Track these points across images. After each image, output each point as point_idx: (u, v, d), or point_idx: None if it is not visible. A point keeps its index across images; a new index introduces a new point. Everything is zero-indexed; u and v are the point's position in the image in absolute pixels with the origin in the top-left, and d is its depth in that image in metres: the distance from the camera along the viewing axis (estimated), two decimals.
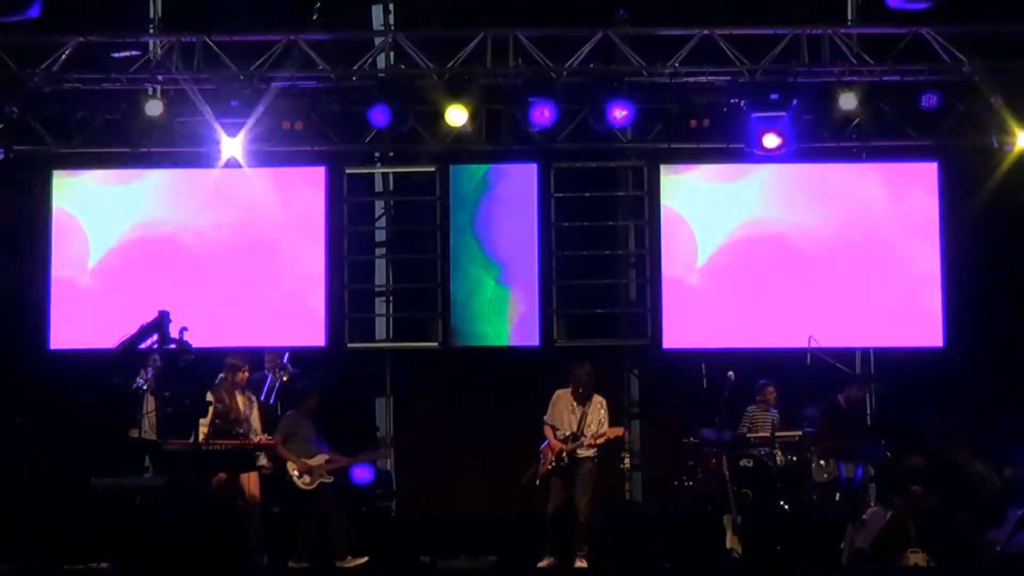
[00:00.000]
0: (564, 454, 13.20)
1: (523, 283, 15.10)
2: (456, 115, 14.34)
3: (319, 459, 13.38)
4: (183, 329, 12.05)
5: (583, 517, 13.09)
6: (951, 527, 12.08)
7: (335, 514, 13.28)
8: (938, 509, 12.43)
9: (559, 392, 13.57)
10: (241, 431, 12.99)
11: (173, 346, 12.01)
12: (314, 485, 13.32)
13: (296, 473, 13.30)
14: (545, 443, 13.43)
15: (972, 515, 12.39)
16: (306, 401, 13.70)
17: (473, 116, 14.45)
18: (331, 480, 13.40)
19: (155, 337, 12.05)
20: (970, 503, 12.29)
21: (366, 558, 13.16)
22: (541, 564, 13.06)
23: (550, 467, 13.27)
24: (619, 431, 13.65)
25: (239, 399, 13.18)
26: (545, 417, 13.51)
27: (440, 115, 14.38)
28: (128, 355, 12.47)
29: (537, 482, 13.38)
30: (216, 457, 12.47)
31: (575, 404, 13.41)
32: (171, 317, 12.09)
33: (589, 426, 13.29)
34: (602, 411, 13.40)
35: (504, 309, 15.07)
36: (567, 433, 13.31)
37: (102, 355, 14.17)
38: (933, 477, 12.90)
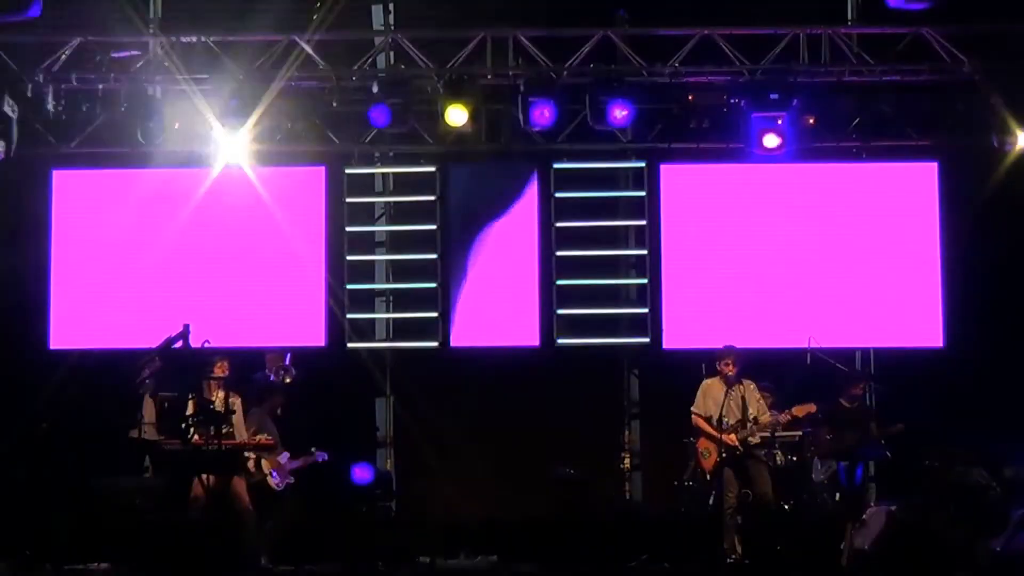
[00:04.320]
0: (739, 444, 13.00)
1: (523, 283, 15.12)
2: (456, 115, 14.32)
3: (285, 459, 13.32)
4: (205, 341, 12.13)
5: (772, 505, 12.93)
6: (953, 540, 12.03)
7: (294, 515, 13.23)
8: (941, 524, 12.38)
9: (708, 382, 13.31)
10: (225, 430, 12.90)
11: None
12: (282, 486, 13.26)
13: (270, 473, 13.22)
14: (700, 436, 13.22)
15: (975, 526, 12.34)
16: (271, 399, 13.63)
17: (473, 116, 14.43)
18: (292, 481, 13.36)
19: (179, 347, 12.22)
20: (972, 514, 12.25)
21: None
22: (731, 559, 12.85)
23: (719, 459, 13.05)
24: (810, 408, 13.43)
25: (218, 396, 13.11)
26: (694, 408, 13.26)
27: (440, 115, 14.37)
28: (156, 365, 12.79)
29: (708, 477, 13.19)
30: (216, 457, 12.43)
31: (729, 390, 13.15)
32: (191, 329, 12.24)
33: (749, 410, 13.10)
34: (757, 393, 13.25)
35: None
36: (732, 421, 13.04)
37: (105, 356, 14.26)
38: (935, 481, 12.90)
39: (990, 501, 12.33)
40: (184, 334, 12.15)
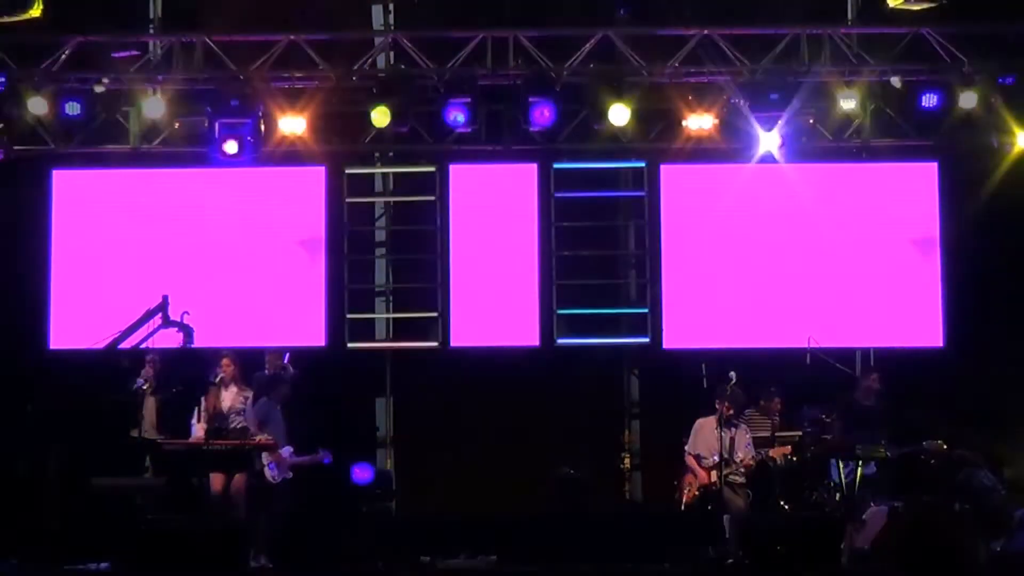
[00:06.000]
0: (713, 484, 13.25)
1: (523, 283, 15.11)
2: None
3: (288, 453, 13.31)
4: (184, 313, 12.17)
5: None
6: (957, 541, 11.98)
7: (286, 512, 13.24)
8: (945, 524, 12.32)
9: (701, 421, 13.63)
10: (235, 425, 12.91)
11: (175, 328, 12.26)
12: (279, 480, 13.24)
13: (267, 464, 13.20)
14: (687, 472, 13.61)
15: (978, 527, 12.31)
16: (278, 389, 13.63)
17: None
18: (291, 476, 13.35)
19: (158, 319, 12.28)
20: (976, 515, 12.22)
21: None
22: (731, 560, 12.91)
23: (696, 494, 13.41)
24: (785, 450, 13.69)
25: (226, 393, 13.13)
26: (687, 447, 13.63)
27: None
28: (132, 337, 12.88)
29: (682, 508, 13.58)
30: (216, 457, 12.44)
31: (721, 430, 13.33)
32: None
33: (737, 452, 13.38)
34: (747, 437, 13.53)
35: None
36: (715, 459, 13.27)
37: (104, 351, 14.26)
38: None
39: (995, 503, 12.32)
40: (163, 306, 12.21)
